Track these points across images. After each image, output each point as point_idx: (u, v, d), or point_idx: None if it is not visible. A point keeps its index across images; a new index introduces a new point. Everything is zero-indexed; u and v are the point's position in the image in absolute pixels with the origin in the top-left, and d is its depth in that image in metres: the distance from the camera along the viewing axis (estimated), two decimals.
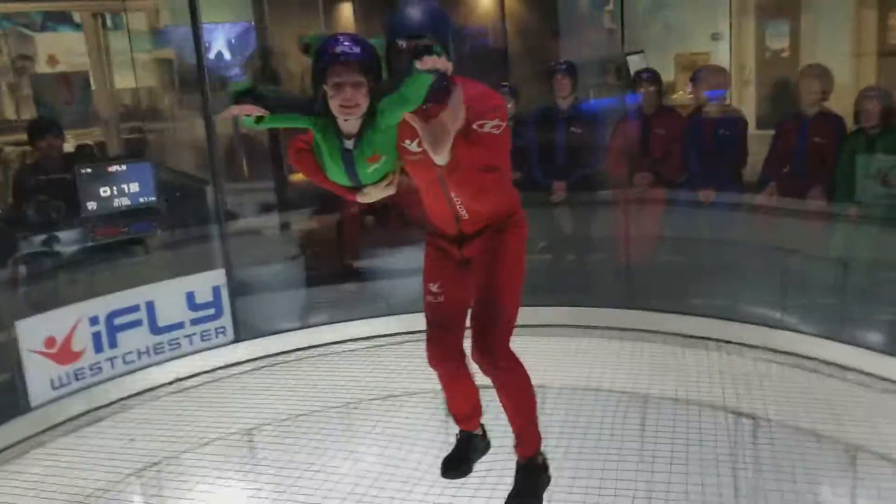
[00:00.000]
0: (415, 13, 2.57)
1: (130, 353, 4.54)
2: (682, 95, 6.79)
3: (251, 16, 6.86)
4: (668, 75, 6.82)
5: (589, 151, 5.58)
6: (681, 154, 5.40)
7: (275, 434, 3.93)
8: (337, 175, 2.65)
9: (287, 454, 3.68)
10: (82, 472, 3.67)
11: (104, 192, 4.67)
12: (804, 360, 4.34)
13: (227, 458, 3.71)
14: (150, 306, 4.63)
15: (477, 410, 2.98)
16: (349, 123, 2.49)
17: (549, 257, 5.67)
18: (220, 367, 4.79)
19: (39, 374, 4.18)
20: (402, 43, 2.52)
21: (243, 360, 4.89)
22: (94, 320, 4.42)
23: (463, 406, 2.95)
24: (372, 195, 2.71)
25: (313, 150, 2.65)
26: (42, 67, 8.03)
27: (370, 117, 2.49)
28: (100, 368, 4.42)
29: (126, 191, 4.74)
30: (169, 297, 4.70)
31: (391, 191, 2.72)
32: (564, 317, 5.10)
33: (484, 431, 3.04)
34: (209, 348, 4.82)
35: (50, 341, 4.24)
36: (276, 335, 5.03)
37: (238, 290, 4.98)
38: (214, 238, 5.00)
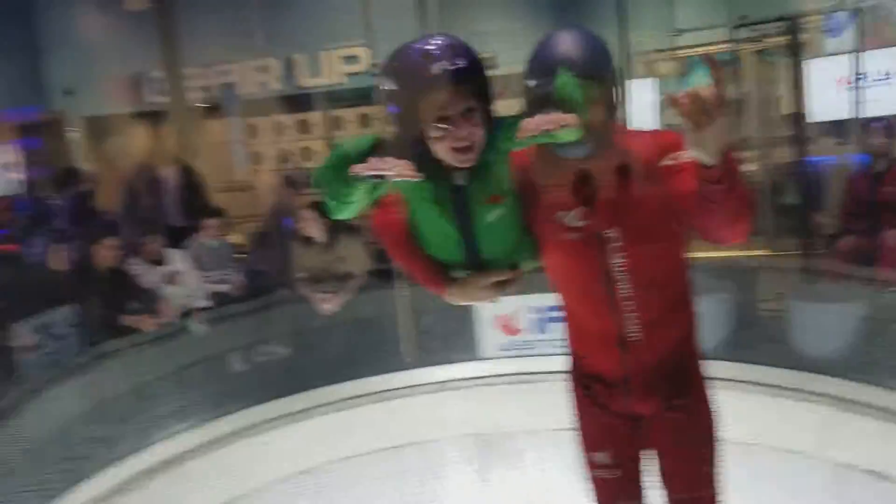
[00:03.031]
0: (577, 44, 1.80)
1: (556, 340, 5.66)
2: None
3: None
4: None
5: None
6: None
7: None
8: (444, 244, 1.91)
9: None
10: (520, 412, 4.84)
11: None
12: None
13: None
14: None
15: None
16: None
17: None
18: None
19: (490, 337, 5.52)
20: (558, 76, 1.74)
21: None
22: (534, 310, 5.65)
23: None
24: (470, 292, 1.93)
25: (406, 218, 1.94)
26: None
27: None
28: (533, 346, 5.63)
29: None
30: None
31: (502, 291, 1.94)
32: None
33: None
34: None
35: (502, 318, 5.55)
36: None
37: None
38: None
